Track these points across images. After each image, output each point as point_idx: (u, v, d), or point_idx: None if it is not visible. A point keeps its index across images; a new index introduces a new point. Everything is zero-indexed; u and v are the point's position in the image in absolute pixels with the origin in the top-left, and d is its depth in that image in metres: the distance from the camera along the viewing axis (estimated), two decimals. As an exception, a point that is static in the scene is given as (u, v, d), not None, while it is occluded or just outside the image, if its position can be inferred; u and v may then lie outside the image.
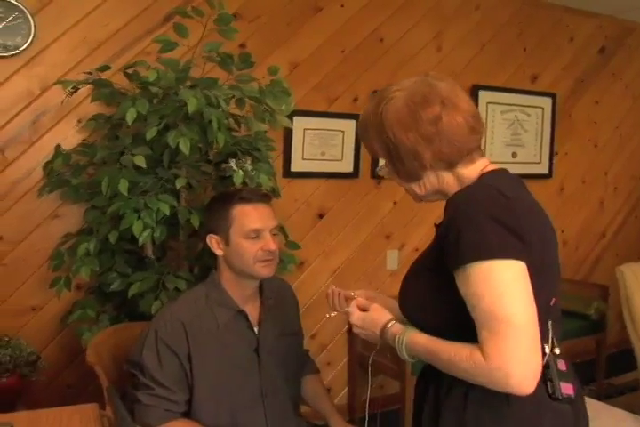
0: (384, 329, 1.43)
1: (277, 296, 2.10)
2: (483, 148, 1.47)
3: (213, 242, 1.98)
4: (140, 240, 2.32)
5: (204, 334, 1.90)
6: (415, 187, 1.44)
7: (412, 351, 1.37)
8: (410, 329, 1.38)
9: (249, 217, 1.94)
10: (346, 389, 3.61)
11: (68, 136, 2.83)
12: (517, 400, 1.29)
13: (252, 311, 2.01)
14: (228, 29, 2.40)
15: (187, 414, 1.89)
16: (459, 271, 1.26)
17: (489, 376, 1.20)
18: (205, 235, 2.01)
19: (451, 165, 1.40)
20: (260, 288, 2.06)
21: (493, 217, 1.24)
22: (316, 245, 3.49)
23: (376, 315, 1.48)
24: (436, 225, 1.47)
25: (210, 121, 2.25)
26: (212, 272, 2.03)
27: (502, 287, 1.21)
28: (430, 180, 1.42)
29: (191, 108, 2.20)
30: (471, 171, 1.40)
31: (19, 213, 2.79)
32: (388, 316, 1.46)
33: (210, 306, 1.94)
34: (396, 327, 1.42)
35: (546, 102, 4.18)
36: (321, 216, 3.51)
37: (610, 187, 4.64)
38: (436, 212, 1.56)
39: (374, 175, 3.59)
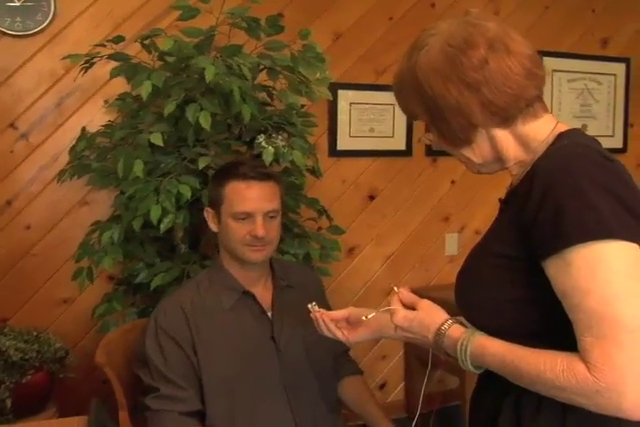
0: (439, 333, 1.13)
1: (297, 281, 1.87)
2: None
3: (210, 216, 1.81)
4: (162, 227, 2.09)
5: (207, 319, 1.71)
6: (469, 153, 1.15)
7: (479, 361, 1.09)
8: (476, 332, 1.09)
9: (239, 197, 1.71)
10: (402, 384, 3.33)
11: (95, 118, 2.63)
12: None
13: (264, 294, 1.80)
14: (250, -11, 2.11)
15: (204, 417, 1.67)
16: (553, 259, 0.97)
17: (594, 396, 0.92)
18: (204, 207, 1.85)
19: (507, 121, 1.11)
20: (272, 270, 1.85)
21: (604, 186, 0.97)
22: (368, 229, 3.22)
23: (426, 314, 1.17)
24: (501, 200, 1.17)
25: (231, 91, 1.98)
26: (216, 255, 1.85)
27: (618, 278, 0.94)
28: (484, 142, 1.13)
29: (209, 76, 1.93)
30: (537, 130, 1.12)
31: (46, 201, 2.62)
32: (443, 315, 1.16)
33: (213, 289, 1.76)
34: (455, 330, 1.12)
35: (619, 69, 3.73)
36: (372, 198, 3.22)
37: (693, 161, 4.15)
38: (501, 188, 1.24)
39: (429, 152, 3.29)
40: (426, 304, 1.19)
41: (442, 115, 1.10)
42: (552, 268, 0.98)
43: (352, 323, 1.38)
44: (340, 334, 1.34)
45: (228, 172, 1.76)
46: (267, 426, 1.68)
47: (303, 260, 2.35)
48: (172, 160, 2.16)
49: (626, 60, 3.75)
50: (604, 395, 0.91)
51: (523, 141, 1.12)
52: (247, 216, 1.71)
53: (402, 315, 1.18)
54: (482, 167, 1.18)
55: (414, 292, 1.25)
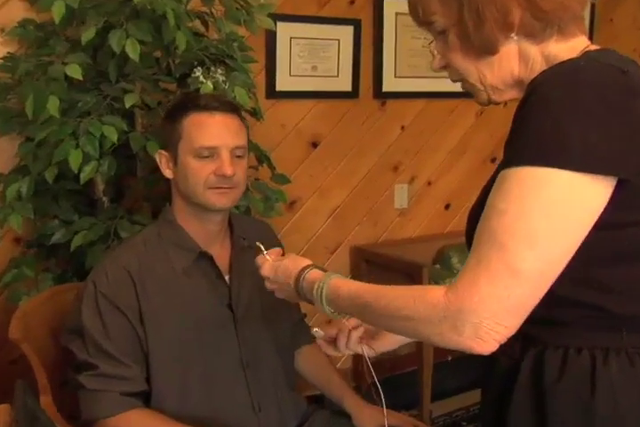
0: (298, 277, 1.19)
1: (256, 240, 1.75)
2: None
3: (163, 160, 1.67)
4: (82, 176, 1.93)
5: (157, 284, 1.60)
6: (487, 68, 1.09)
7: (335, 304, 1.13)
8: (332, 275, 1.15)
9: (201, 130, 1.59)
10: None
11: (-9, 50, 2.38)
12: None
13: (221, 255, 1.70)
14: None
15: (148, 397, 1.58)
16: (500, 174, 0.95)
17: (439, 323, 0.93)
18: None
19: (543, 32, 1.05)
20: (231, 227, 1.74)
21: (586, 105, 0.91)
22: (310, 180, 3.12)
23: (291, 262, 1.24)
24: None
25: (164, 15, 1.81)
26: (166, 206, 1.72)
27: (540, 213, 0.90)
28: (509, 56, 1.07)
29: (137, -4, 1.76)
30: (567, 50, 1.06)
31: None
32: (306, 261, 1.23)
33: (164, 248, 1.64)
34: (313, 274, 1.18)
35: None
36: (314, 145, 3.11)
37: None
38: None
39: (378, 94, 3.19)
40: (293, 255, 1.29)
41: (478, 12, 1.04)
42: (496, 181, 0.96)
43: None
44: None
45: (186, 104, 1.64)
46: (223, 407, 1.61)
47: (244, 213, 2.25)
48: (91, 98, 1.98)
49: None
50: (448, 321, 0.91)
51: (550, 62, 1.05)
52: (211, 153, 1.58)
53: (268, 265, 1.28)
54: (495, 92, 1.12)
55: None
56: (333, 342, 1.39)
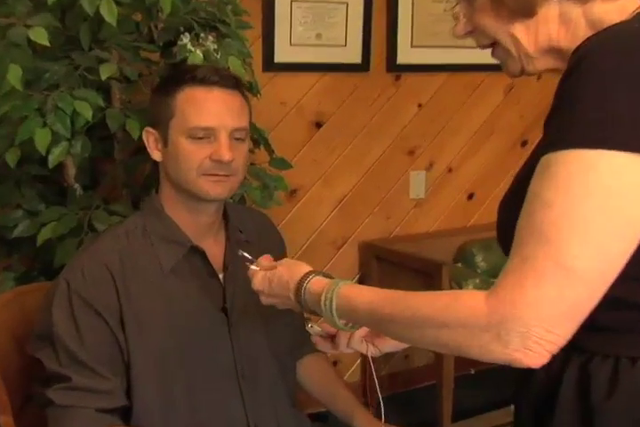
0: (299, 288, 1.18)
1: (255, 234, 1.81)
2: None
3: (151, 140, 1.65)
4: (51, 159, 1.90)
5: (141, 283, 1.60)
6: (521, 32, 1.08)
7: (348, 316, 1.14)
8: (340, 282, 1.14)
9: (197, 107, 1.58)
10: (358, 362, 3.32)
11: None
12: None
13: (215, 251, 1.70)
14: None
15: (128, 413, 1.58)
16: (541, 160, 0.94)
17: (479, 333, 0.91)
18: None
19: None
20: (226, 218, 1.74)
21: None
22: (314, 165, 3.13)
23: (286, 270, 1.25)
24: None
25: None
26: (152, 194, 1.70)
27: (593, 202, 0.88)
28: (549, 16, 1.06)
29: (113, -53, 1.71)
30: (616, 12, 1.03)
31: None
32: (305, 268, 1.22)
33: (149, 242, 1.64)
34: (317, 283, 1.17)
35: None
36: (318, 126, 3.12)
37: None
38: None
39: (391, 67, 3.17)
40: (287, 261, 1.29)
41: None
42: (537, 168, 0.95)
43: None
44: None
45: (181, 75, 1.62)
46: (214, 426, 1.61)
47: (238, 203, 2.24)
48: (60, 68, 1.95)
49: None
50: (491, 331, 0.90)
51: (593, 26, 1.04)
52: (207, 134, 1.57)
53: (260, 277, 1.28)
54: (529, 60, 1.10)
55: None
56: (331, 338, 1.38)
